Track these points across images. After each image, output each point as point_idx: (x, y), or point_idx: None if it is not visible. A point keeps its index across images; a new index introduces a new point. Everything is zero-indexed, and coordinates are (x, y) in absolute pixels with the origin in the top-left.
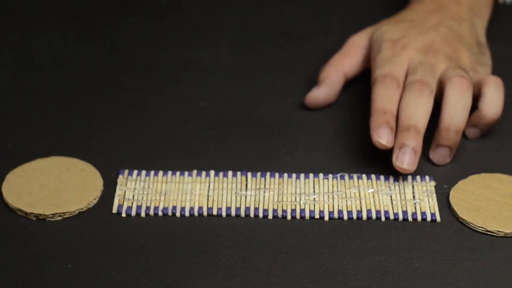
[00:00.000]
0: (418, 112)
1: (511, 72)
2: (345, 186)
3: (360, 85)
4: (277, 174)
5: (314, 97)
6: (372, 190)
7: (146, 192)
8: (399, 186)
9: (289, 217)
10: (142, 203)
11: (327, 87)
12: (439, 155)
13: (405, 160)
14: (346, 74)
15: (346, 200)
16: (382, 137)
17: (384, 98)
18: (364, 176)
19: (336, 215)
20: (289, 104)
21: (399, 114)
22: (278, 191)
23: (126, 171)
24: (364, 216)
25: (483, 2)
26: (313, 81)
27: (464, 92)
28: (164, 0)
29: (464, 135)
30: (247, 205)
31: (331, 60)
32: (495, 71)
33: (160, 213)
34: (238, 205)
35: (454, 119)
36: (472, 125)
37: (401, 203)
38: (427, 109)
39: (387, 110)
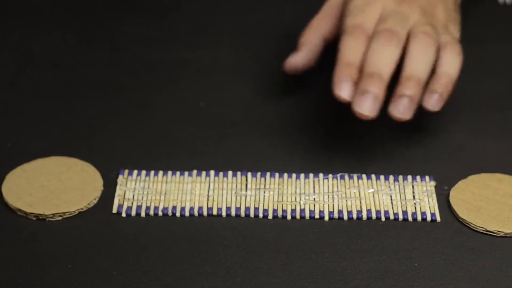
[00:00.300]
0: (384, 60)
1: (511, 72)
2: (345, 186)
3: None
4: (277, 174)
5: (293, 62)
6: (372, 190)
7: (146, 192)
8: (399, 186)
9: (289, 217)
10: (142, 203)
11: (306, 52)
12: (400, 107)
13: (366, 106)
14: (325, 36)
15: (346, 200)
16: (343, 90)
17: (350, 50)
18: (364, 176)
19: (336, 215)
20: (289, 104)
21: (364, 61)
22: (278, 191)
23: (126, 171)
24: (364, 216)
25: None
26: (314, 81)
27: (427, 49)
28: (164, 0)
29: (424, 112)
30: (247, 205)
31: (309, 24)
32: (495, 71)
33: (160, 213)
34: (238, 205)
35: (415, 70)
36: (430, 91)
37: (401, 203)
38: (393, 59)
39: (352, 63)
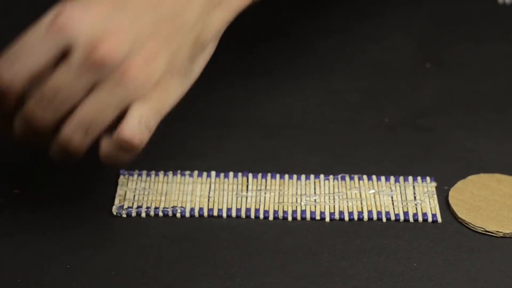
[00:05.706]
0: None
1: (511, 72)
2: (346, 187)
3: (361, 85)
4: (277, 175)
5: None
6: (373, 191)
7: (147, 192)
8: (400, 187)
9: (290, 218)
10: (142, 203)
11: None
12: None
13: None
14: None
15: (347, 201)
16: None
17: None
18: (365, 177)
19: (337, 216)
20: (289, 104)
21: None
22: (279, 192)
23: (127, 171)
24: (365, 217)
25: None
26: (313, 81)
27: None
28: None
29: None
30: (247, 206)
31: None
32: (495, 71)
33: (160, 214)
34: (238, 206)
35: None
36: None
37: (402, 204)
38: None
39: None
